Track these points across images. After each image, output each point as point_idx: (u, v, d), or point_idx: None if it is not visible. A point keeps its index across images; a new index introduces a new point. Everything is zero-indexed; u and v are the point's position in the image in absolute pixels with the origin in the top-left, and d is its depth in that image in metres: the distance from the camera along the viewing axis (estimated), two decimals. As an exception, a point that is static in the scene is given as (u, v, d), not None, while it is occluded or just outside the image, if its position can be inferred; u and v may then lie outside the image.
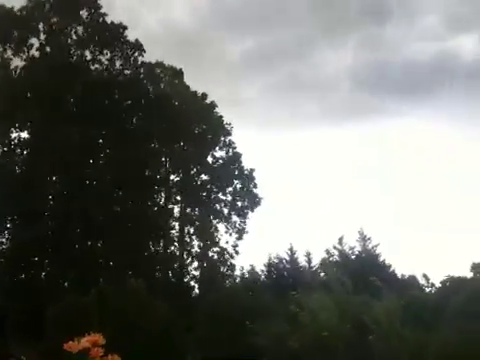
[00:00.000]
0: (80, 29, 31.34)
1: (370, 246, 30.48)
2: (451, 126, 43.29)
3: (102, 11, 31.61)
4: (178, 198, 36.05)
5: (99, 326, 4.11)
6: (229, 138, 36.37)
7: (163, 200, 35.28)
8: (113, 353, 3.74)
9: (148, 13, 32.28)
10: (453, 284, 22.40)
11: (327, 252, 30.76)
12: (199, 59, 36.64)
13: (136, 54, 32.15)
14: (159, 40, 35.44)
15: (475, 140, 39.64)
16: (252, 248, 37.17)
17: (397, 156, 44.03)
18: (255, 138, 37.35)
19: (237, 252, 34.61)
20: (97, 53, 31.45)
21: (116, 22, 31.74)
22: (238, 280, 34.06)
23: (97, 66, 31.71)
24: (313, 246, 33.62)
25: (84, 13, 31.42)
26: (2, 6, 30.04)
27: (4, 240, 29.92)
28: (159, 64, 34.77)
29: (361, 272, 27.01)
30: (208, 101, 36.19)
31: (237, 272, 34.45)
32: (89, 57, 31.49)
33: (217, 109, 36.26)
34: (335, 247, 30.77)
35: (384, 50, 47.99)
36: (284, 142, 43.67)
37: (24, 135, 30.78)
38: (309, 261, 31.08)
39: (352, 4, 45.56)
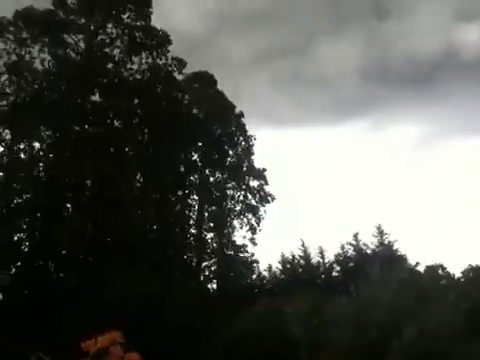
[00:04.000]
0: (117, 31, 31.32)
1: (387, 241, 30.34)
2: (456, 118, 43.06)
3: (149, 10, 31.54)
4: (195, 197, 36.34)
5: (118, 325, 4.08)
6: (242, 137, 36.57)
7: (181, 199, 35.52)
8: (133, 352, 3.73)
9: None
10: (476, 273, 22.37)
11: (342, 248, 30.73)
12: (204, 59, 36.87)
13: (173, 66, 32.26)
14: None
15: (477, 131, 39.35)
16: (266, 246, 37.24)
17: (406, 149, 43.94)
18: (263, 135, 37.45)
19: (255, 243, 34.81)
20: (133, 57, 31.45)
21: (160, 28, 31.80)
22: (255, 277, 34.14)
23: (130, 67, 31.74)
24: (327, 243, 33.67)
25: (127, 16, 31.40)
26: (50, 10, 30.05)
27: (23, 237, 30.22)
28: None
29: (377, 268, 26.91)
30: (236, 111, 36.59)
31: (254, 269, 34.59)
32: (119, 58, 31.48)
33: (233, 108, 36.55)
34: (350, 243, 30.74)
35: (388, 44, 47.80)
36: (291, 138, 43.79)
37: (48, 133, 31.00)
38: (323, 257, 31.01)
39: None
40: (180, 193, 35.05)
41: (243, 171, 36.33)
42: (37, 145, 30.61)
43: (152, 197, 32.89)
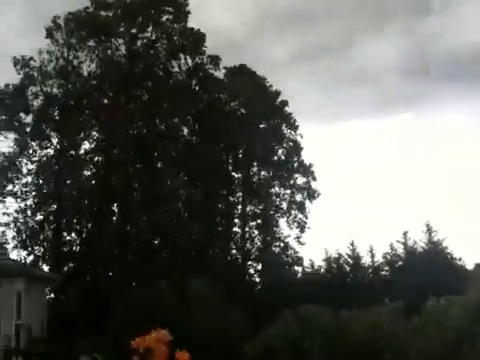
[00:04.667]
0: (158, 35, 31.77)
1: (436, 239, 29.62)
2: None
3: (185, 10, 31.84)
4: (240, 194, 36.34)
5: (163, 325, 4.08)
6: (292, 133, 36.32)
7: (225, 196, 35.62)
8: (182, 351, 3.71)
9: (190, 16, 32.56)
10: None
11: (391, 247, 30.15)
12: (244, 59, 36.70)
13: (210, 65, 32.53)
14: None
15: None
16: (312, 243, 36.87)
17: (450, 144, 42.87)
18: (307, 132, 37.06)
19: (301, 243, 34.53)
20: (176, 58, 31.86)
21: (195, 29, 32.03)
22: (300, 275, 33.86)
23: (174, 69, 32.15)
24: (374, 241, 33.11)
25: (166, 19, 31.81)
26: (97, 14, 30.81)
27: (75, 238, 30.94)
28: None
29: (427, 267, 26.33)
30: (279, 99, 36.38)
31: (299, 267, 34.34)
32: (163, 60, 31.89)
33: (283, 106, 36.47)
34: (399, 241, 30.14)
35: (430, 40, 46.67)
36: (336, 135, 43.27)
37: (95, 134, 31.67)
38: (372, 256, 30.50)
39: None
40: (224, 191, 35.16)
41: (289, 167, 36.03)
42: (86, 147, 31.45)
43: (197, 196, 33.10)
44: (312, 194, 35.35)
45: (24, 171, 30.17)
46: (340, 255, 30.96)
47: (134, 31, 31.29)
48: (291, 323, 17.00)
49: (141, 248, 28.68)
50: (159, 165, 31.67)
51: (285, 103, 36.31)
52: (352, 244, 30.73)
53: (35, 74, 29.83)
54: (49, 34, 29.97)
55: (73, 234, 30.84)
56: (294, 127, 36.41)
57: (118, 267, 28.81)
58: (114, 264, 29.45)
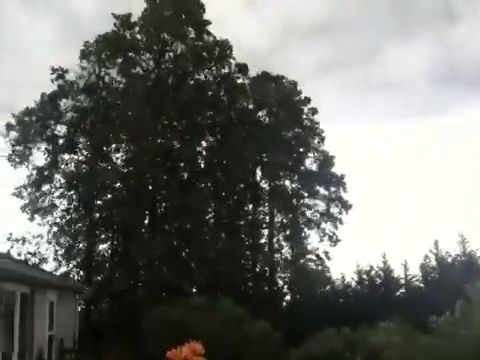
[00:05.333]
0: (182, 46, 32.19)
1: (469, 249, 29.00)
2: None
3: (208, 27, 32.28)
4: (266, 205, 36.18)
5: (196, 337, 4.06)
6: (320, 143, 36.10)
7: (251, 208, 35.51)
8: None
9: (216, 27, 32.90)
10: None
11: (425, 258, 29.59)
12: (271, 70, 36.74)
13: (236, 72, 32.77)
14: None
15: None
16: (343, 255, 36.37)
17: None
18: (336, 141, 36.76)
19: (329, 258, 34.13)
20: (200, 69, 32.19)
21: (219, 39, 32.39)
22: (329, 288, 33.49)
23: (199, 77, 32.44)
24: (407, 253, 32.49)
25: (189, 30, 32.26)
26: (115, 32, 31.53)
27: (105, 248, 31.30)
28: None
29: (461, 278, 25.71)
30: (308, 107, 36.27)
31: (329, 280, 33.90)
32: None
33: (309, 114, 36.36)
34: (431, 251, 29.60)
35: (458, 47, 45.95)
36: (365, 144, 42.76)
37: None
38: (406, 269, 29.97)
39: (422, 3, 44.06)
40: (251, 204, 35.08)
41: (320, 177, 35.73)
42: (116, 159, 31.88)
43: (223, 208, 33.13)
44: (344, 205, 34.97)
45: (56, 184, 30.74)
46: (371, 267, 30.55)
47: (159, 46, 31.83)
48: (333, 336, 16.74)
49: (169, 259, 28.79)
50: (186, 176, 31.94)
51: (314, 111, 36.13)
52: (384, 256, 30.31)
53: (68, 87, 30.52)
54: (82, 56, 31.00)
55: (104, 245, 31.26)
56: (322, 137, 36.20)
57: (147, 278, 28.99)
58: (143, 275, 29.67)
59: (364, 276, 30.73)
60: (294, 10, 44.39)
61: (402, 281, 30.25)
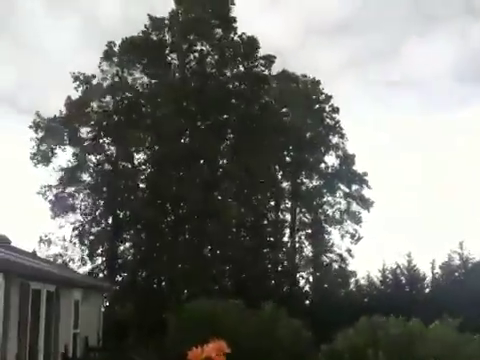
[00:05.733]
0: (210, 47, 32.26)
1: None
2: None
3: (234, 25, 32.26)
4: (288, 204, 36.13)
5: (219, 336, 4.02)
6: (342, 141, 35.92)
7: (273, 206, 35.47)
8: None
9: (238, 25, 32.89)
10: None
11: (449, 257, 29.20)
12: (292, 68, 36.60)
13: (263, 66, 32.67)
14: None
15: None
16: (367, 253, 36.12)
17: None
18: (358, 139, 36.52)
19: (352, 256, 33.95)
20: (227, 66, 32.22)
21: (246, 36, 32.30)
22: (352, 287, 33.26)
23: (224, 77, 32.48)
24: (432, 252, 32.10)
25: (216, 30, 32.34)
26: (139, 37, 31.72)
27: (128, 247, 31.52)
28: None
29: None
30: (328, 105, 36.10)
31: (352, 279, 33.71)
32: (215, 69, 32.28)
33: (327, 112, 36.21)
34: (455, 251, 29.19)
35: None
36: (386, 141, 42.33)
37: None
38: (433, 268, 29.58)
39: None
40: (273, 202, 35.04)
41: (341, 175, 35.57)
42: (140, 160, 32.12)
43: (245, 207, 33.14)
44: (365, 203, 34.74)
45: (82, 185, 31.09)
46: (397, 266, 30.20)
47: (186, 46, 31.89)
48: (360, 332, 16.51)
49: (192, 258, 28.92)
50: (208, 176, 32.01)
51: (336, 109, 35.96)
52: (409, 255, 29.96)
53: (93, 89, 30.81)
54: (106, 57, 31.23)
55: (128, 244, 31.51)
56: (342, 134, 36.02)
57: (171, 277, 29.17)
58: (167, 274, 29.84)
59: (389, 275, 30.40)
60: (316, 8, 44.20)
61: (428, 280, 29.89)
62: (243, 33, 31.92)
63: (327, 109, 36.19)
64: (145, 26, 31.88)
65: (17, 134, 38.50)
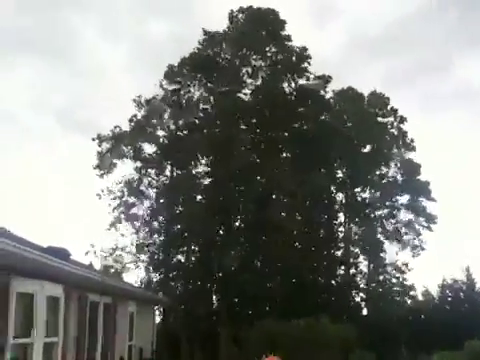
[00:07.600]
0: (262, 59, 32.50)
1: None
2: None
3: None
4: (341, 217, 35.68)
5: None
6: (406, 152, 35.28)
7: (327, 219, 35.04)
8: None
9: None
10: None
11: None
12: (339, 85, 36.33)
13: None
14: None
15: None
16: (427, 267, 35.11)
17: None
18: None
19: (409, 269, 33.05)
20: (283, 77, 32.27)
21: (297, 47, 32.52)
22: (409, 301, 32.42)
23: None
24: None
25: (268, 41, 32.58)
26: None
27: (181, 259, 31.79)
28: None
29: None
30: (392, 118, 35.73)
31: (410, 293, 32.85)
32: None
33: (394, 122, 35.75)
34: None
35: None
36: (439, 155, 41.53)
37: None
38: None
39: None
40: (326, 215, 34.63)
41: (402, 187, 34.80)
42: (197, 174, 32.49)
43: (299, 219, 32.90)
44: (428, 216, 33.83)
45: (142, 197, 31.73)
46: (455, 281, 29.22)
47: (241, 62, 32.17)
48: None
49: (246, 271, 28.88)
50: (263, 190, 31.90)
51: (402, 119, 35.42)
52: (468, 269, 28.96)
53: (154, 109, 31.66)
54: (166, 77, 32.16)
55: (182, 257, 31.82)
56: (407, 144, 35.34)
57: (224, 290, 29.20)
58: (219, 287, 29.90)
59: (447, 291, 29.46)
60: (366, 23, 44.12)
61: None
62: (295, 48, 32.09)
63: (391, 120, 35.80)
64: (199, 42, 32.36)
65: (73, 149, 40.03)
